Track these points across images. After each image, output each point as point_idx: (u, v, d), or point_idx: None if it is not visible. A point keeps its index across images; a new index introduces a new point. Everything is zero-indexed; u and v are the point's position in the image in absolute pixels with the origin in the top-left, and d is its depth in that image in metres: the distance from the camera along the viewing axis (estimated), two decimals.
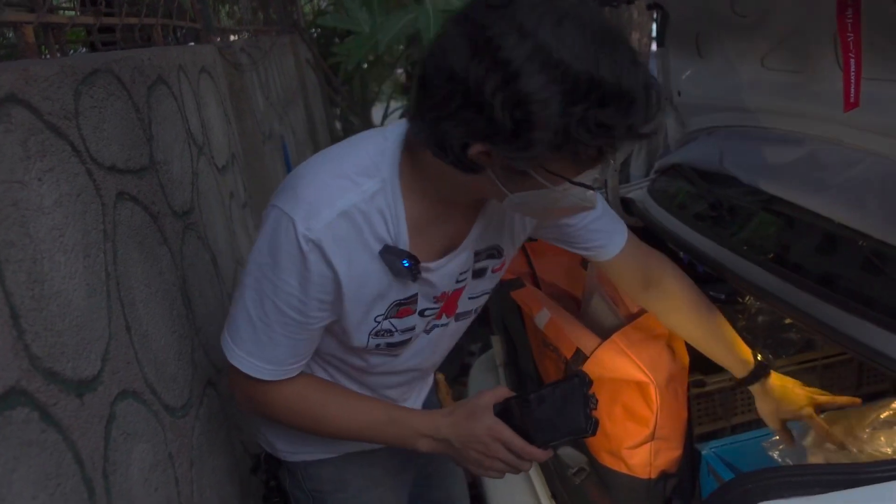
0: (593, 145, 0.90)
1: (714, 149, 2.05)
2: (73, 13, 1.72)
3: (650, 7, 2.20)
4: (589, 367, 1.47)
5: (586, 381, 1.13)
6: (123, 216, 1.30)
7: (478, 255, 1.24)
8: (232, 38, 3.79)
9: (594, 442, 1.57)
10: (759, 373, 1.46)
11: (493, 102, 0.87)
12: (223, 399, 1.68)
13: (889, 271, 1.44)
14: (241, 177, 2.58)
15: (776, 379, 1.47)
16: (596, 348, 1.49)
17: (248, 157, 2.74)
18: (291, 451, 1.40)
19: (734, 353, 1.47)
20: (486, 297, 1.34)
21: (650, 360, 1.45)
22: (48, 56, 1.53)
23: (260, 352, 1.15)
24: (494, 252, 1.27)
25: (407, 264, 1.10)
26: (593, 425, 1.11)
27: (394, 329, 1.21)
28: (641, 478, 1.48)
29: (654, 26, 2.29)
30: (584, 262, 1.94)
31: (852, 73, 1.12)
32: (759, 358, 1.47)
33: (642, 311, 1.59)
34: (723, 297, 2.08)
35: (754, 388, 1.48)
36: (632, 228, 2.27)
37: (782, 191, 1.78)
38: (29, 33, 1.22)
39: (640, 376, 1.43)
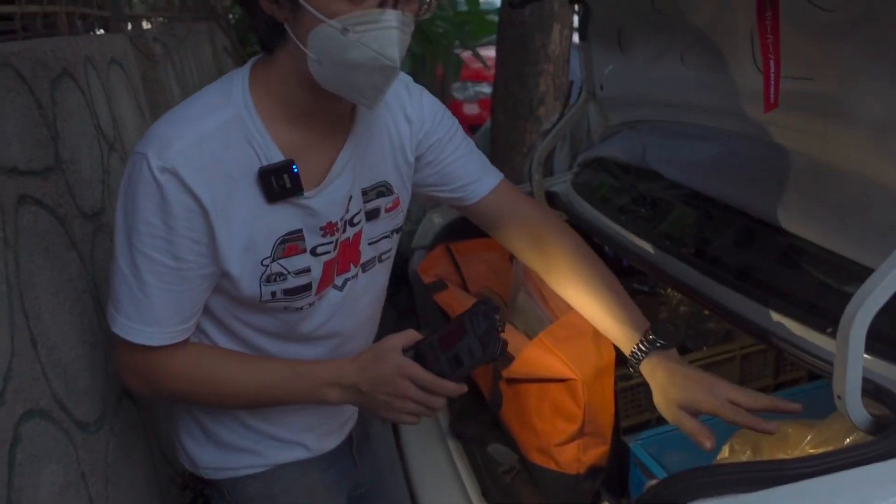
0: None
1: (637, 143, 2.08)
2: None
3: (573, 2, 2.21)
4: (517, 367, 1.47)
5: (491, 306, 1.12)
6: (26, 221, 1.22)
7: (366, 195, 1.23)
8: (144, 25, 3.64)
9: (524, 440, 1.58)
10: (647, 349, 1.21)
11: None
12: (141, 409, 1.60)
13: (803, 264, 1.49)
14: None
15: (673, 363, 1.19)
16: (522, 348, 1.49)
17: None
18: (214, 466, 1.34)
19: (626, 327, 1.26)
20: (388, 243, 1.31)
21: (576, 356, 1.46)
22: None
23: (139, 313, 1.09)
24: (383, 189, 1.26)
25: (295, 170, 1.08)
26: (501, 346, 1.10)
27: (285, 271, 1.15)
28: (570, 474, 1.49)
29: (577, 19, 2.30)
30: (512, 258, 1.94)
31: (772, 74, 1.15)
32: (650, 337, 1.22)
33: (568, 307, 1.59)
34: (646, 289, 2.12)
35: (644, 370, 1.22)
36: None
37: (702, 185, 1.82)
38: None
39: (567, 373, 1.44)
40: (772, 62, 1.14)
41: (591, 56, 2.23)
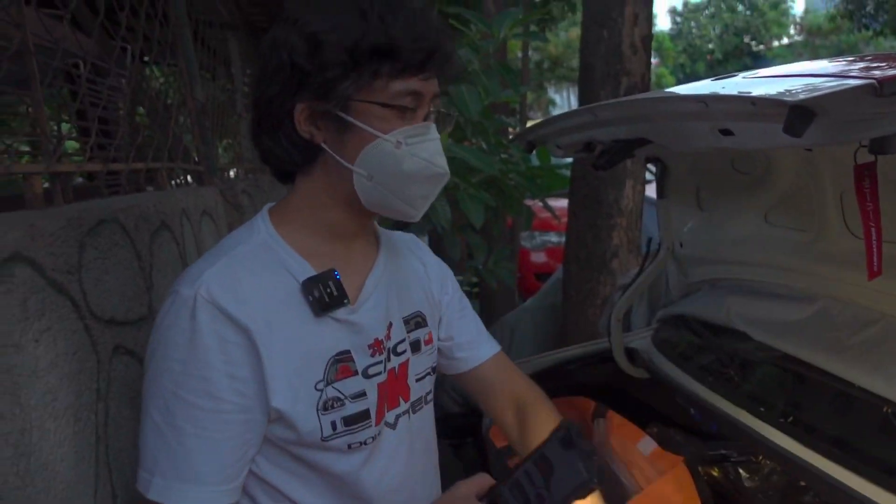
0: (384, 56, 0.98)
1: (720, 302, 2.02)
2: (80, 159, 1.72)
3: (649, 161, 2.24)
4: None
5: (573, 430, 1.01)
6: (118, 371, 1.23)
7: (408, 324, 1.21)
8: (231, 173, 3.84)
9: None
10: None
11: (294, 56, 0.99)
12: None
13: None
14: None
15: None
16: None
17: None
18: None
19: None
20: (429, 382, 1.25)
21: None
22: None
23: (175, 469, 0.96)
24: (420, 320, 1.24)
25: (338, 276, 1.05)
26: (597, 473, 0.98)
27: (342, 396, 1.06)
28: None
29: (653, 176, 2.32)
30: (594, 418, 1.86)
31: (874, 242, 1.11)
32: None
33: (655, 475, 1.51)
34: (734, 455, 2.00)
35: None
36: (636, 380, 2.25)
37: (795, 349, 1.75)
38: (38, 184, 1.20)
39: None
40: (873, 230, 1.11)
41: (669, 214, 2.23)
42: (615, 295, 3.06)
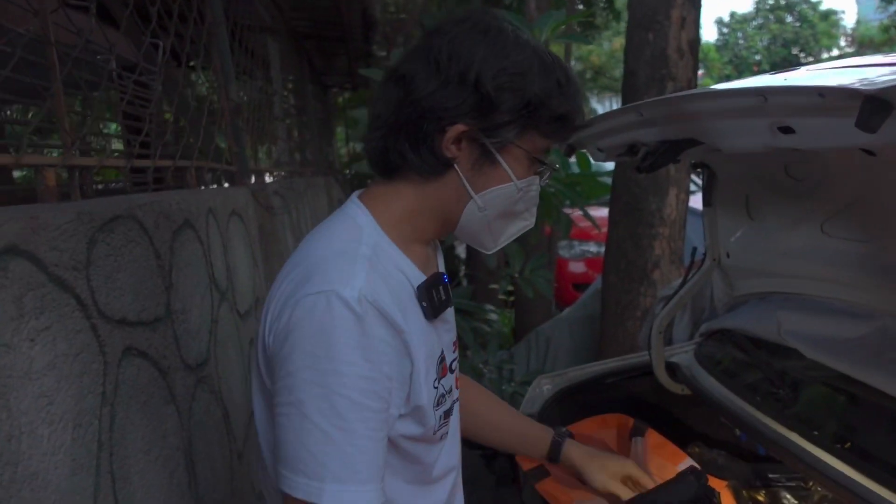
0: (558, 121, 1.05)
1: (770, 316, 1.90)
2: (101, 154, 1.67)
3: (696, 166, 2.13)
4: None
5: (703, 478, 1.02)
6: (128, 375, 1.17)
7: None
8: (267, 178, 3.81)
9: None
10: (559, 444, 1.48)
11: (482, 82, 1.00)
12: None
13: None
14: None
15: (582, 451, 1.48)
16: None
17: None
18: None
19: (537, 430, 1.53)
20: None
21: None
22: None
23: (352, 472, 0.93)
24: None
25: (447, 279, 1.10)
26: None
27: (444, 391, 1.12)
28: None
29: (698, 183, 2.21)
30: (632, 436, 1.76)
31: None
32: (561, 430, 1.50)
33: None
34: (783, 479, 1.88)
35: (565, 458, 1.49)
36: (678, 396, 2.14)
37: (850, 368, 1.62)
38: (50, 177, 1.15)
39: None
40: None
41: (716, 222, 2.11)
42: (656, 306, 2.95)
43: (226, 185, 2.75)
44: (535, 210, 1.15)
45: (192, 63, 2.24)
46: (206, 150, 2.29)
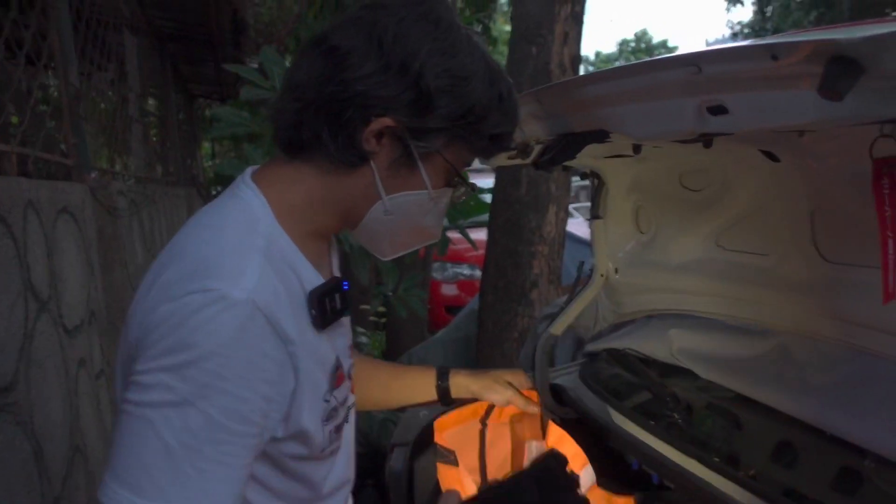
0: (492, 139, 0.98)
1: (661, 335, 1.80)
2: None
3: (585, 176, 2.02)
4: None
5: (561, 460, 0.96)
6: None
7: None
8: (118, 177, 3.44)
9: None
10: (445, 377, 1.46)
11: (424, 77, 0.89)
12: None
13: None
14: (99, 340, 2.13)
15: (463, 374, 1.48)
16: None
17: (112, 316, 2.30)
18: None
19: (421, 375, 1.47)
20: None
21: None
22: None
23: (189, 497, 0.80)
24: None
25: (346, 287, 1.00)
26: None
27: (337, 403, 1.01)
28: None
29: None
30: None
31: (891, 257, 0.89)
32: (440, 370, 1.48)
33: None
34: None
35: (455, 393, 1.46)
36: (564, 421, 2.00)
37: (750, 390, 1.53)
38: None
39: None
40: (891, 242, 0.89)
41: (604, 235, 2.00)
42: (539, 326, 2.83)
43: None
44: (441, 224, 1.07)
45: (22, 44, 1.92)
46: (30, 136, 1.95)
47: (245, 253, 0.87)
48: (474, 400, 1.54)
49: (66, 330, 1.78)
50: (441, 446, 1.65)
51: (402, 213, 0.99)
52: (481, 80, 0.93)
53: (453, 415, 1.70)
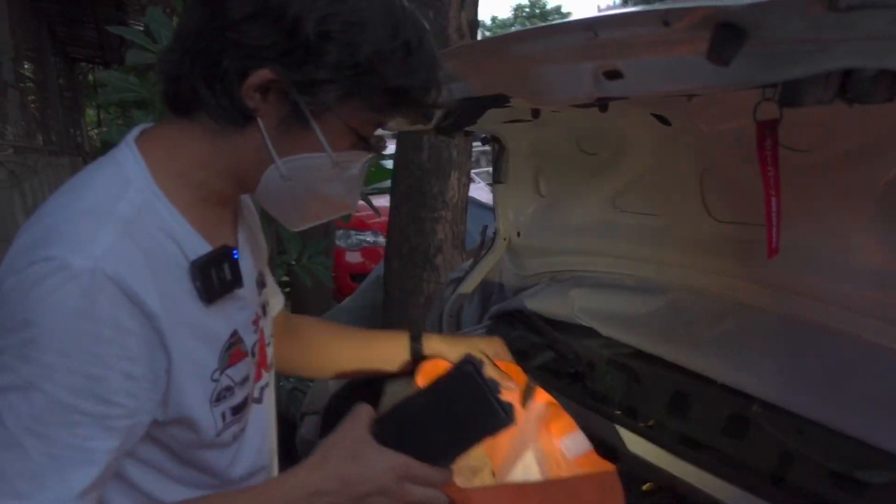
0: (392, 95, 0.87)
1: (563, 295, 1.85)
2: None
3: (485, 141, 2.04)
4: None
5: (477, 364, 0.89)
6: None
7: (259, 285, 1.06)
8: None
9: None
10: (418, 338, 1.36)
11: (303, 23, 0.81)
12: None
13: (775, 433, 1.28)
14: None
15: (439, 339, 1.38)
16: None
17: None
18: None
19: (393, 341, 1.38)
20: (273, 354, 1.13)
21: None
22: None
23: (40, 488, 0.75)
24: (262, 280, 1.09)
25: (237, 255, 0.93)
26: (510, 410, 0.88)
27: (232, 383, 0.93)
28: None
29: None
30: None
31: (774, 215, 0.95)
32: (413, 333, 1.38)
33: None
34: None
35: (430, 353, 1.36)
36: None
37: (646, 344, 1.60)
38: None
39: None
40: (773, 200, 0.94)
41: (506, 200, 2.04)
42: (446, 290, 2.86)
43: None
44: (356, 194, 0.98)
45: None
46: None
47: (99, 218, 0.81)
48: None
49: None
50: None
51: (301, 179, 0.91)
52: (380, 26, 0.83)
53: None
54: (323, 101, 0.85)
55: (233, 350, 0.94)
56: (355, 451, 0.88)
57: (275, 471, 1.13)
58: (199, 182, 0.90)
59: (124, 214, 0.81)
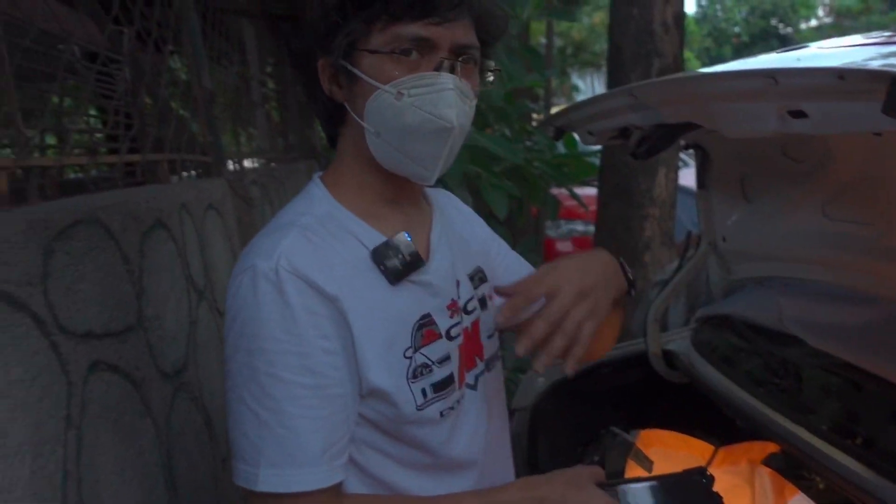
0: (379, 7, 0.91)
1: (770, 302, 1.84)
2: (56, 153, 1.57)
3: (688, 147, 2.06)
4: None
5: (709, 477, 0.96)
6: (96, 392, 1.09)
7: (472, 280, 1.15)
8: (246, 164, 3.71)
9: None
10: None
11: (316, 9, 0.94)
12: None
13: None
14: None
15: None
16: None
17: None
18: None
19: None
20: (497, 340, 1.19)
21: None
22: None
23: (286, 455, 0.90)
24: (482, 275, 1.18)
25: (409, 237, 1.00)
26: None
27: (429, 362, 1.01)
28: None
29: (685, 161, 2.14)
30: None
31: None
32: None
33: None
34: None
35: None
36: (676, 386, 2.08)
37: (856, 357, 1.56)
38: (2, 182, 1.05)
39: None
40: None
41: (711, 205, 2.05)
42: (651, 292, 2.89)
43: (195, 175, 2.65)
44: (445, 108, 0.93)
45: (161, 49, 2.13)
46: (179, 141, 2.18)
47: (285, 230, 0.95)
48: None
49: (220, 313, 2.01)
50: (642, 451, 1.75)
51: (384, 124, 0.96)
52: None
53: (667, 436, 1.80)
54: (341, 43, 0.95)
55: (424, 331, 1.01)
56: (578, 482, 0.98)
57: (497, 475, 1.17)
58: (359, 187, 1.03)
59: (305, 223, 0.97)
